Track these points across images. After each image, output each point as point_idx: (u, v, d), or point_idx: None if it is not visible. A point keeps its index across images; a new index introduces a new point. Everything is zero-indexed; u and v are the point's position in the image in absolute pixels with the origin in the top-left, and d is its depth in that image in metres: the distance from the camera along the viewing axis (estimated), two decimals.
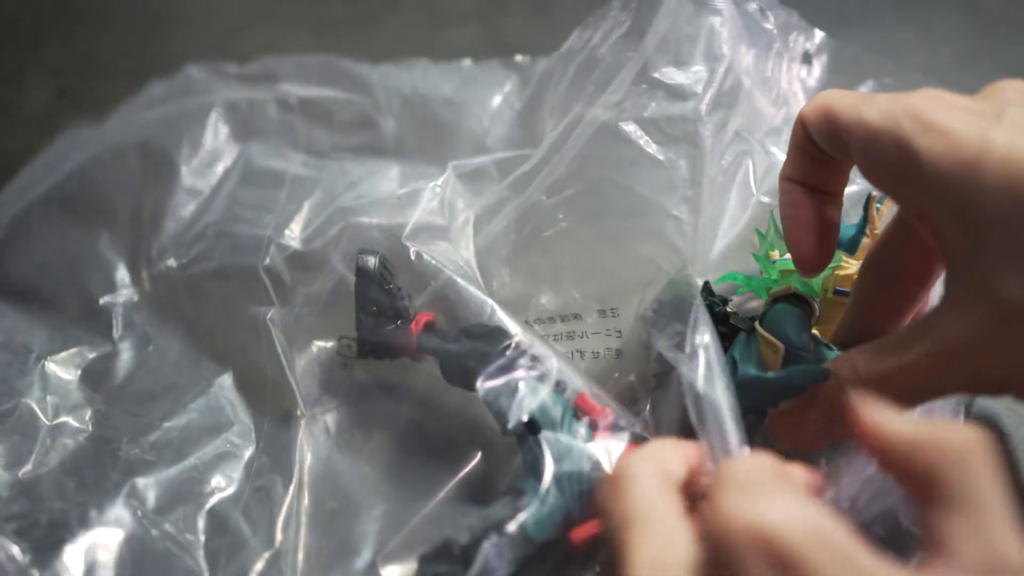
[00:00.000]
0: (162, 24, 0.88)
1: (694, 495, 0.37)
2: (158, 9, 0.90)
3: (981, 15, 0.81)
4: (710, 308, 0.43)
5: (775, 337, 0.42)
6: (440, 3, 0.90)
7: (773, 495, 0.31)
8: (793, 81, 0.52)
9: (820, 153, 0.39)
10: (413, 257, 0.50)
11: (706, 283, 0.46)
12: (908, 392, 0.36)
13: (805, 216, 0.40)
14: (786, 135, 0.49)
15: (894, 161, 0.34)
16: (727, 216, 0.49)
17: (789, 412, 0.40)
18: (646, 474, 0.34)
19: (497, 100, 0.61)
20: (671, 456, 0.36)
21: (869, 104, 0.35)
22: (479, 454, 0.47)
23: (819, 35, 0.54)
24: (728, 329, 0.45)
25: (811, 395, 0.39)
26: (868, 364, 0.37)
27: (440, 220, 0.53)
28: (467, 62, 0.66)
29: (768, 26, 0.50)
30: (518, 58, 0.64)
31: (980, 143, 0.32)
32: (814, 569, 0.28)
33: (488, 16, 0.87)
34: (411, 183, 0.55)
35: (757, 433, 0.42)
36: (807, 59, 0.55)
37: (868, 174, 0.36)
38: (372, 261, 0.50)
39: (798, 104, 0.53)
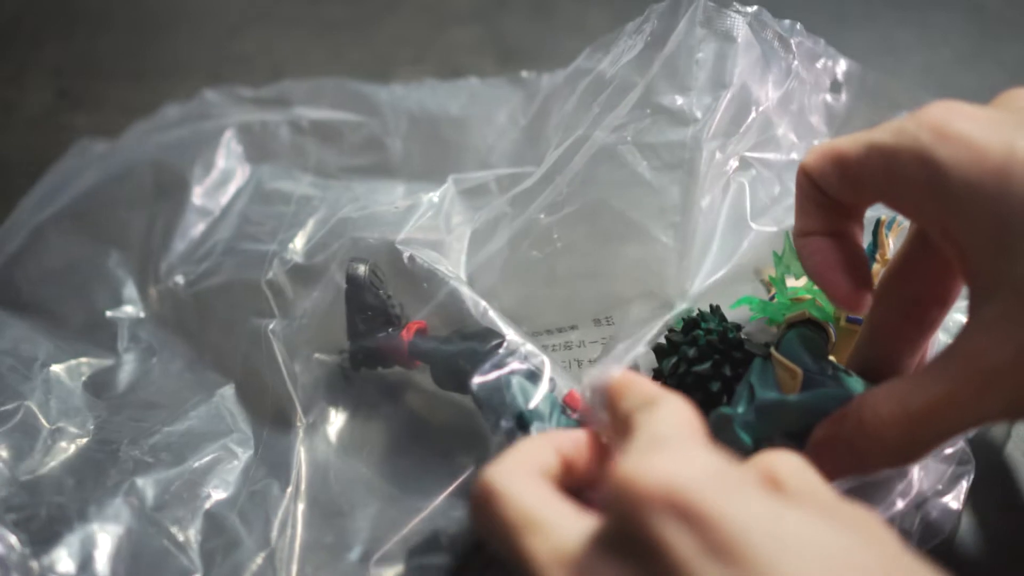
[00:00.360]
0: (162, 24, 0.89)
1: (581, 482, 0.37)
2: (158, 9, 0.91)
3: (981, 15, 0.81)
4: (723, 333, 0.44)
5: (792, 362, 0.41)
6: (440, 3, 0.90)
7: (673, 449, 0.31)
8: (819, 110, 0.52)
9: (829, 201, 0.38)
10: (406, 260, 0.51)
11: (717, 307, 0.46)
12: (946, 425, 0.34)
13: (830, 259, 0.38)
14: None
15: (916, 178, 0.33)
16: (719, 243, 0.48)
17: (818, 449, 0.38)
18: (513, 478, 0.33)
19: (502, 117, 0.62)
20: (536, 452, 0.36)
21: (876, 132, 0.35)
22: (473, 465, 0.47)
23: (844, 62, 0.53)
24: (743, 355, 0.44)
25: (824, 439, 0.38)
26: (898, 404, 0.35)
27: (436, 233, 0.53)
28: (473, 80, 0.67)
29: (789, 54, 0.50)
30: (524, 74, 0.64)
31: (1007, 151, 0.31)
32: (717, 512, 0.27)
33: (488, 16, 0.87)
34: (408, 201, 0.55)
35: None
36: (836, 88, 0.54)
37: (889, 199, 0.35)
38: (362, 269, 0.51)
39: (824, 134, 0.53)
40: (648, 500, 0.28)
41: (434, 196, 0.55)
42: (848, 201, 0.37)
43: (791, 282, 0.47)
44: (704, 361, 0.44)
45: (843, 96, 0.54)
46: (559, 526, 0.31)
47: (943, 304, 0.40)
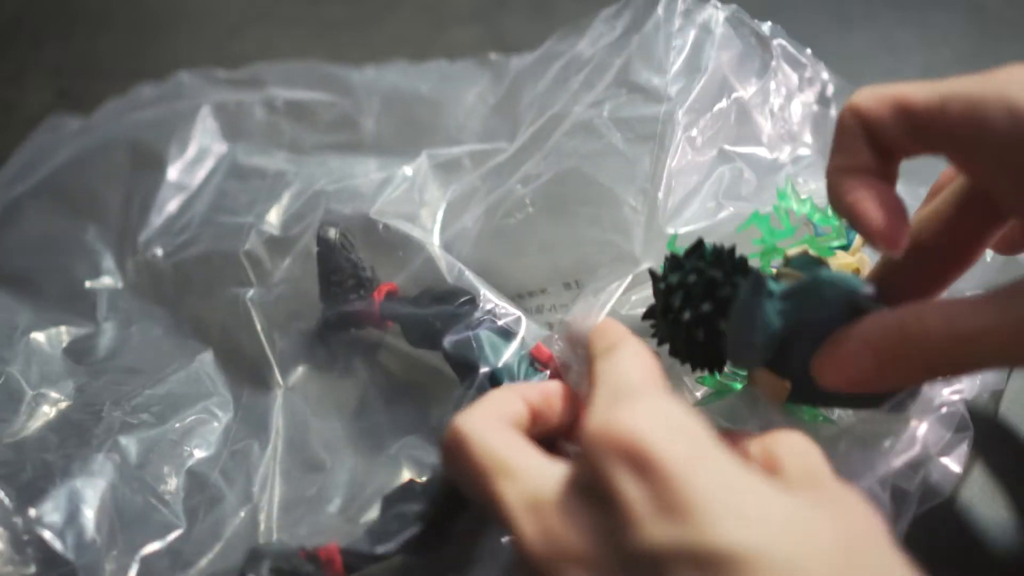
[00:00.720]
0: (162, 24, 0.89)
1: (551, 432, 0.39)
2: (158, 9, 0.91)
3: (981, 15, 0.80)
4: (718, 253, 0.41)
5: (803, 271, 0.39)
6: (440, 3, 0.90)
7: (636, 400, 0.32)
8: (804, 116, 0.53)
9: (875, 143, 0.37)
10: (381, 229, 0.52)
11: (700, 240, 0.42)
12: (985, 355, 0.33)
13: (869, 194, 0.36)
14: (791, 170, 0.50)
15: (1001, 128, 0.32)
16: (692, 212, 0.49)
17: (835, 348, 0.36)
18: (482, 425, 0.35)
19: (471, 97, 0.64)
20: (504, 401, 0.37)
21: (951, 84, 0.34)
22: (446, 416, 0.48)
23: (829, 77, 0.54)
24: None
25: (861, 333, 0.36)
26: (945, 321, 0.33)
27: (409, 206, 0.55)
28: (443, 61, 0.69)
29: (767, 53, 0.52)
30: (492, 56, 0.66)
31: None
32: (671, 468, 0.28)
33: (488, 16, 0.87)
34: (383, 174, 0.57)
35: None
36: (824, 101, 0.55)
37: (958, 149, 0.35)
38: (333, 232, 0.52)
39: (807, 141, 0.53)
40: (610, 449, 0.30)
41: (408, 170, 0.57)
42: (901, 147, 0.36)
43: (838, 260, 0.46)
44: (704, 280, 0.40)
45: (832, 111, 0.55)
46: (528, 470, 0.33)
47: (963, 266, 0.40)
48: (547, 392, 0.40)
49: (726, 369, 0.42)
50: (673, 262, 0.41)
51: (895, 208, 0.36)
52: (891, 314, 0.35)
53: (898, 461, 0.42)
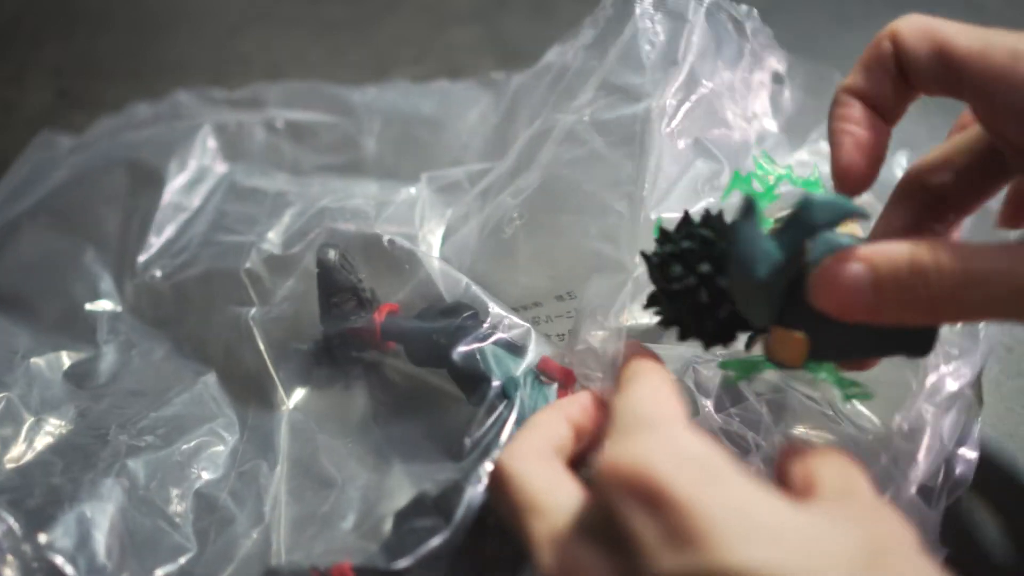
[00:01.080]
0: (162, 24, 0.89)
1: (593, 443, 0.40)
2: (158, 9, 0.91)
3: (981, 15, 0.80)
4: (707, 217, 0.40)
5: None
6: (440, 3, 0.90)
7: (646, 433, 0.32)
8: (764, 99, 0.54)
9: (898, 75, 0.36)
10: (386, 243, 0.53)
11: (686, 212, 0.41)
12: (995, 299, 0.32)
13: (860, 134, 0.37)
14: (756, 151, 0.51)
15: None
16: (673, 203, 0.49)
17: (836, 263, 0.34)
18: (523, 462, 0.36)
19: (474, 116, 0.64)
20: (547, 425, 0.38)
21: (998, 33, 0.34)
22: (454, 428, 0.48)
23: (783, 55, 0.55)
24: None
25: (867, 255, 0.34)
26: (960, 261, 0.32)
27: (410, 227, 0.55)
28: (444, 82, 0.69)
29: (743, 37, 0.52)
30: (494, 75, 0.67)
31: None
32: (679, 497, 0.28)
33: (488, 16, 0.87)
34: (384, 195, 0.58)
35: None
36: (778, 79, 0.55)
37: (992, 106, 0.35)
38: (332, 253, 0.53)
39: (774, 125, 0.54)
40: (620, 486, 0.30)
41: (411, 190, 0.57)
42: (926, 85, 0.36)
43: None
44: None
45: (786, 90, 0.55)
46: (556, 507, 0.34)
47: (962, 216, 0.40)
48: (586, 405, 0.40)
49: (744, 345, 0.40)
50: (663, 236, 0.40)
51: (872, 156, 0.37)
52: (902, 242, 0.33)
53: (926, 463, 0.42)
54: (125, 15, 0.90)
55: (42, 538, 0.43)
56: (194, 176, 0.64)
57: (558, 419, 0.39)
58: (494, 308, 0.49)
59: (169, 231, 0.61)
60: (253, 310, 0.54)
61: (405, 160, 0.64)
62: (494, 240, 0.53)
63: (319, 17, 0.89)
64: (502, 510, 0.36)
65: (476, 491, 0.41)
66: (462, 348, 0.47)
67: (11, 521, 0.44)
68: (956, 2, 0.85)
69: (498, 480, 0.36)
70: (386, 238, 0.53)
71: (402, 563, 0.41)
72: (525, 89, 0.59)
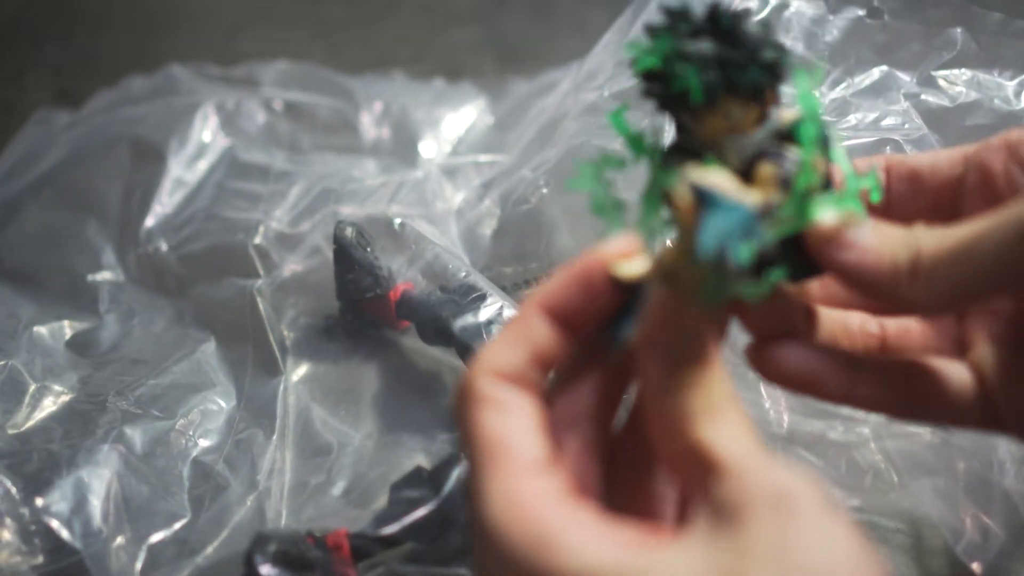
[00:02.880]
0: (162, 24, 0.89)
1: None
2: (158, 9, 0.92)
3: (981, 15, 0.80)
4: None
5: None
6: (440, 3, 0.90)
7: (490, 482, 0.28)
8: None
9: None
10: (397, 227, 0.54)
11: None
12: (987, 260, 0.29)
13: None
14: None
15: None
16: None
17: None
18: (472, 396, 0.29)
19: (471, 112, 0.66)
20: (496, 354, 0.30)
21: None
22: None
23: None
24: None
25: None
26: (944, 236, 0.30)
27: (422, 206, 0.57)
28: (440, 82, 0.71)
29: None
30: (489, 80, 0.69)
31: None
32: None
33: (488, 16, 0.88)
34: (390, 177, 0.59)
35: None
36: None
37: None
38: (349, 230, 0.53)
39: None
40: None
41: (416, 173, 0.58)
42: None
43: None
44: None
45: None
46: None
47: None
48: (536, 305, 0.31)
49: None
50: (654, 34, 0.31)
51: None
52: (892, 233, 0.31)
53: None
54: (125, 15, 0.90)
55: (39, 502, 0.44)
56: (194, 152, 0.64)
57: (505, 345, 0.30)
58: (493, 295, 0.49)
59: (172, 204, 0.62)
60: (259, 282, 0.55)
61: (404, 145, 0.65)
62: (515, 213, 0.54)
63: (319, 17, 0.89)
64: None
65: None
66: (469, 325, 0.47)
67: (8, 485, 0.45)
68: (956, 2, 0.85)
69: (456, 410, 0.30)
70: (397, 221, 0.54)
71: (390, 530, 0.41)
72: (528, 95, 0.62)
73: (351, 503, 0.46)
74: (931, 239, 0.31)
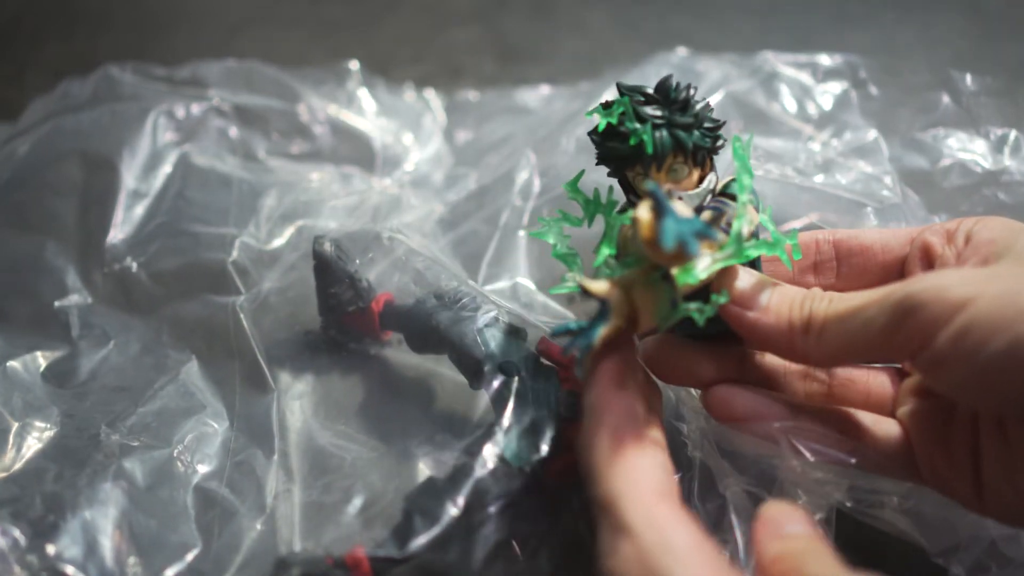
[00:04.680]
0: (162, 24, 0.88)
1: None
2: (158, 9, 0.91)
3: (981, 15, 0.80)
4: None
5: None
6: (440, 3, 0.90)
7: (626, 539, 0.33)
8: None
9: None
10: (386, 240, 0.54)
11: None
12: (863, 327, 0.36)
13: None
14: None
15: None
16: None
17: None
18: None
19: (427, 123, 0.67)
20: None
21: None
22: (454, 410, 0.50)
23: None
24: None
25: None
26: (827, 304, 0.37)
27: (397, 217, 0.57)
28: (389, 95, 0.71)
29: None
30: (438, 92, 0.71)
31: None
32: None
33: (488, 16, 0.87)
34: (354, 188, 0.59)
35: None
36: None
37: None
38: (328, 245, 0.53)
39: None
40: None
41: (387, 182, 0.59)
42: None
43: None
44: None
45: None
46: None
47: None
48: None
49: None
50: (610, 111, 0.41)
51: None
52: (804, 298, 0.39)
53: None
54: (125, 15, 0.89)
55: (50, 549, 0.43)
56: (148, 162, 0.62)
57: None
58: (486, 296, 0.50)
59: (133, 219, 0.60)
60: (241, 298, 0.54)
61: (360, 153, 0.66)
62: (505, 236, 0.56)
63: (319, 17, 0.89)
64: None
65: (484, 474, 0.42)
66: (463, 331, 0.48)
67: (15, 533, 0.43)
68: (956, 2, 0.85)
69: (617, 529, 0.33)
70: (385, 235, 0.54)
71: (414, 547, 0.41)
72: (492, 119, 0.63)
73: (368, 519, 0.45)
74: (823, 303, 0.38)
